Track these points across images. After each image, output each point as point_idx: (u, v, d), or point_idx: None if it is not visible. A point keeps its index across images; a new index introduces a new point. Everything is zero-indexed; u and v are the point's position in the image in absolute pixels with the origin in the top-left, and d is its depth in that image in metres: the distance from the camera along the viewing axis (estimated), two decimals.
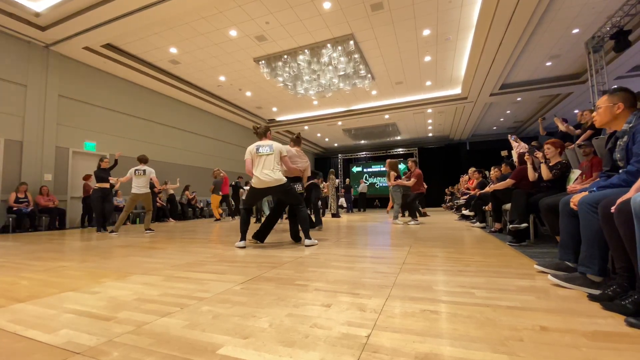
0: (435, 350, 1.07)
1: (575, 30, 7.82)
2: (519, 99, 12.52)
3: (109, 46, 8.07)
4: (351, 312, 1.47)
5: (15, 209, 6.72)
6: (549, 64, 9.70)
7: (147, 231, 6.03)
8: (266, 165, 3.68)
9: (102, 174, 6.40)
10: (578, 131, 5.78)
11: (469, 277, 2.07)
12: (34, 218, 7.04)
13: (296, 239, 4.16)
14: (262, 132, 3.93)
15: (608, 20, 7.04)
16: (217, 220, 9.51)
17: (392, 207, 7.68)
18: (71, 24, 6.78)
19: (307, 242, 3.71)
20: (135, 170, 6.03)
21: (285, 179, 3.74)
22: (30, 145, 7.33)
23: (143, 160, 6.19)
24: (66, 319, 1.46)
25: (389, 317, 1.39)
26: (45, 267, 2.75)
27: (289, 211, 4.28)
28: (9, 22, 6.65)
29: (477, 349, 1.07)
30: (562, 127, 6.20)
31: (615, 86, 1.89)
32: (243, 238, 3.72)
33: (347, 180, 16.63)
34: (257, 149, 3.73)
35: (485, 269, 2.30)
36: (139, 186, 5.98)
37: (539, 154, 3.62)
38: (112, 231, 5.88)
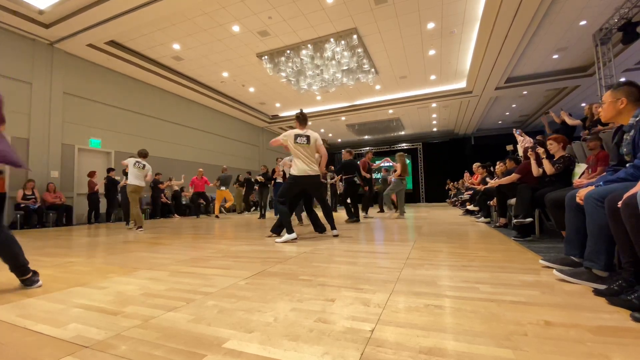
0: (439, 345, 1.07)
1: (583, 22, 7.69)
2: (524, 92, 12.37)
3: (112, 43, 8.09)
4: (355, 306, 1.47)
5: (22, 205, 6.82)
6: (555, 56, 9.56)
7: (139, 229, 5.75)
8: (308, 155, 3.94)
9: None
10: (577, 122, 5.83)
11: (474, 272, 2.07)
12: (42, 215, 7.14)
13: (320, 229, 4.35)
14: (303, 119, 4.10)
15: (616, 12, 6.91)
16: (216, 216, 9.74)
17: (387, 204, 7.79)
18: (75, 21, 6.81)
19: (334, 232, 4.04)
20: (136, 162, 5.94)
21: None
22: (37, 142, 7.40)
23: (143, 154, 6.13)
24: (75, 314, 1.48)
25: (393, 312, 1.39)
26: (53, 262, 2.78)
27: (307, 205, 4.42)
28: (13, 20, 6.69)
29: (481, 344, 1.07)
30: (569, 120, 6.17)
31: (621, 80, 1.87)
32: (292, 230, 3.76)
33: None
34: (296, 138, 3.91)
35: (490, 264, 2.30)
36: (138, 178, 5.92)
37: (540, 150, 3.60)
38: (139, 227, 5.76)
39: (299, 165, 3.88)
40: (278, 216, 4.10)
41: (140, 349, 1.11)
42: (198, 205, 10.46)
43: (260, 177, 8.69)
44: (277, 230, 4.17)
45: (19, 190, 6.91)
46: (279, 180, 7.99)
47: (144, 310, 1.49)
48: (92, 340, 1.19)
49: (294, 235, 3.71)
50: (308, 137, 3.96)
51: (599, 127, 4.88)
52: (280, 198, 3.94)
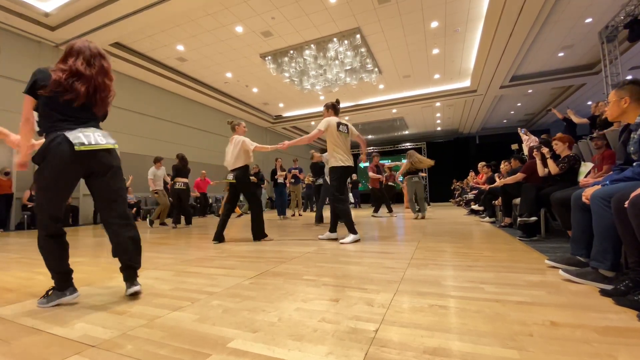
0: (444, 345, 1.07)
1: (589, 20, 7.61)
2: (530, 91, 12.28)
3: (117, 45, 8.15)
4: (359, 306, 1.47)
5: (29, 206, 6.89)
6: (561, 54, 9.48)
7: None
8: (347, 145, 3.69)
9: None
10: (585, 120, 5.79)
11: (478, 272, 2.06)
12: None
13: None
14: (338, 109, 3.87)
15: (622, 9, 6.84)
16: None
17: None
18: (80, 23, 6.86)
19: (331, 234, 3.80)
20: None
21: None
22: None
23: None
24: (81, 313, 1.50)
25: (397, 312, 1.39)
26: None
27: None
28: (19, 23, 6.76)
29: (486, 344, 1.07)
30: (575, 118, 6.14)
31: (626, 78, 1.86)
32: (354, 230, 3.48)
33: (355, 175, 16.50)
34: (339, 126, 3.63)
35: (495, 263, 2.28)
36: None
37: (545, 150, 3.57)
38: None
39: (342, 156, 3.57)
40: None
41: (145, 348, 1.12)
42: (195, 206, 10.78)
43: (253, 177, 8.06)
44: (218, 237, 3.76)
45: (26, 191, 6.99)
46: (280, 180, 7.99)
47: (150, 310, 1.51)
48: (99, 339, 1.20)
49: (357, 235, 3.49)
50: (347, 127, 3.73)
51: (597, 132, 4.86)
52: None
